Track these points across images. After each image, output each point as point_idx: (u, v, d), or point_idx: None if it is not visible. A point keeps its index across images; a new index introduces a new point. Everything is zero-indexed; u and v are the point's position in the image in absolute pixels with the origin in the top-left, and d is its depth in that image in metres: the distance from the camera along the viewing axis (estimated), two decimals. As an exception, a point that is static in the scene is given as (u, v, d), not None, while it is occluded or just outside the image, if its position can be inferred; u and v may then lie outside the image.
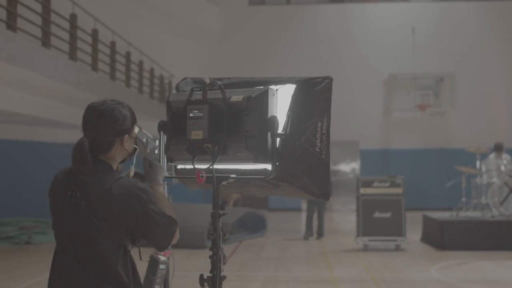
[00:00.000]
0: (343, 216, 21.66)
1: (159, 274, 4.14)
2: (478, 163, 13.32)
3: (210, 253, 2.96)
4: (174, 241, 2.80)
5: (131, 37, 17.39)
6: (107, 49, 15.55)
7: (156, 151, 4.39)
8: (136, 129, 4.12)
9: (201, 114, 2.86)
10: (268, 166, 2.86)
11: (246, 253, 12.01)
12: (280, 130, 2.86)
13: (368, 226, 12.05)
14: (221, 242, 2.95)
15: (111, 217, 2.64)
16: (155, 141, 4.37)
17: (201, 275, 2.99)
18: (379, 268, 10.08)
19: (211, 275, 2.96)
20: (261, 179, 2.94)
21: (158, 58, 19.61)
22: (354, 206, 23.88)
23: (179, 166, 3.14)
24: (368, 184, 12.23)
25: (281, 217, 19.77)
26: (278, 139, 2.87)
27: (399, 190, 12.13)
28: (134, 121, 2.93)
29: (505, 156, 12.95)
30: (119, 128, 2.84)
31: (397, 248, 11.99)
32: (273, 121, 2.82)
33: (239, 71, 22.05)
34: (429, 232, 13.15)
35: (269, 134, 2.82)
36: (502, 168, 12.62)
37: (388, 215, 12.01)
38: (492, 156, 13.07)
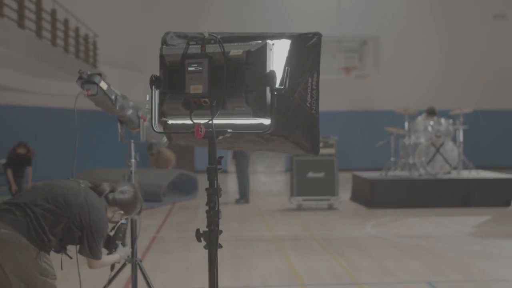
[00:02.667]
0: (270, 177, 21.95)
1: (122, 229, 4.11)
2: (406, 124, 13.73)
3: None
4: (92, 266, 3.79)
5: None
6: (33, 6, 14.95)
7: (130, 111, 4.31)
8: (105, 86, 4.05)
9: (201, 68, 2.83)
10: (265, 121, 2.87)
11: (182, 214, 12.03)
12: (277, 85, 2.86)
13: (302, 186, 12.28)
14: (217, 196, 2.95)
15: None
16: (123, 98, 4.28)
17: (197, 230, 2.99)
18: (316, 227, 10.33)
19: (207, 229, 2.97)
20: (255, 134, 2.95)
21: (83, 16, 19.03)
22: (279, 167, 24.47)
23: (170, 121, 3.10)
24: (301, 144, 12.38)
25: (206, 178, 19.76)
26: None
27: (332, 151, 12.39)
28: None
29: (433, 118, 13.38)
30: None
31: (330, 207, 12.30)
32: (272, 75, 2.82)
33: (164, 30, 21.61)
34: (359, 191, 13.54)
35: (268, 88, 2.83)
36: (429, 128, 13.06)
37: (321, 175, 12.27)
38: (420, 117, 13.49)
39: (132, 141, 4.60)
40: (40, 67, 15.40)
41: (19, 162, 12.68)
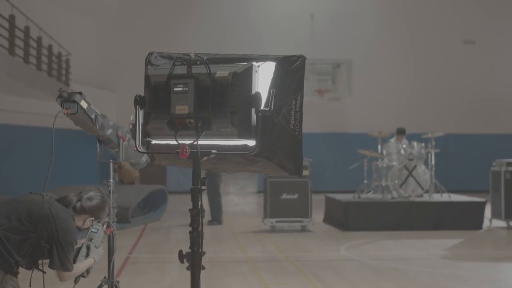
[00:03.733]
0: (242, 198, 21.91)
1: (89, 236, 4.05)
2: (379, 147, 13.85)
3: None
4: (63, 278, 3.75)
5: (30, 12, 16.68)
6: (6, 23, 14.82)
7: (109, 131, 4.27)
8: (85, 105, 4.02)
9: (187, 89, 2.84)
10: (250, 142, 2.88)
11: (155, 235, 11.93)
12: (262, 107, 2.88)
13: (275, 208, 12.26)
14: (200, 218, 2.94)
15: None
16: (103, 118, 4.25)
17: (180, 251, 2.97)
18: (290, 248, 10.31)
19: (190, 251, 2.95)
20: (239, 155, 2.96)
21: (56, 35, 18.92)
22: (252, 188, 24.44)
23: (154, 142, 3.09)
24: (276, 166, 12.38)
25: (180, 199, 19.70)
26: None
27: (306, 173, 12.36)
28: None
29: (404, 141, 13.51)
30: None
31: (303, 229, 12.29)
32: (258, 97, 2.84)
33: (137, 49, 21.91)
34: (332, 213, 13.57)
35: (253, 110, 2.84)
36: (402, 151, 13.17)
37: (295, 196, 12.27)
38: (392, 140, 13.60)
39: (111, 160, 4.56)
40: (11, 85, 15.23)
41: None
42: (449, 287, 7.41)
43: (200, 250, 2.94)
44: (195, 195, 2.95)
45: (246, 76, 2.85)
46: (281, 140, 3.00)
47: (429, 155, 13.69)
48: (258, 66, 2.94)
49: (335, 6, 24.19)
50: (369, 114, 23.22)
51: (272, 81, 2.94)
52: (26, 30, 16.26)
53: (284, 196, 12.27)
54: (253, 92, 2.84)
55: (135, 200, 13.14)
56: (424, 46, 24.12)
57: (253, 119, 2.84)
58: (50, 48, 18.31)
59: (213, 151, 2.93)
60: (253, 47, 23.23)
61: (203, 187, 2.97)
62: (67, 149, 13.52)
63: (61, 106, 4.02)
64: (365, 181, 13.86)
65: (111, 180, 4.53)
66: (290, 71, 3.03)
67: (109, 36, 23.13)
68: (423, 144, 13.37)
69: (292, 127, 3.07)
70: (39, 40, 17.31)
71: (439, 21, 24.28)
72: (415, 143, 13.26)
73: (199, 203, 2.96)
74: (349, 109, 23.94)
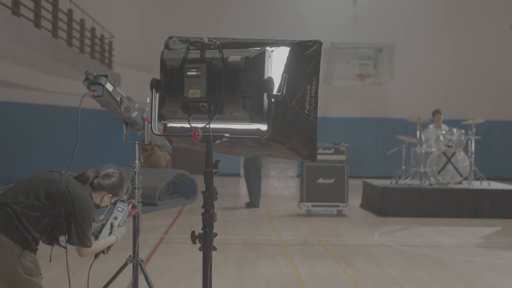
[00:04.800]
0: (282, 182, 21.97)
1: (114, 215, 4.14)
2: (418, 132, 13.70)
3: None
4: (82, 254, 3.84)
5: (73, -5, 16.97)
6: (50, 6, 15.10)
7: (135, 113, 4.35)
8: (110, 87, 4.10)
9: (199, 73, 2.88)
10: (262, 127, 2.91)
11: (191, 216, 12.06)
12: (275, 91, 2.90)
13: (311, 192, 12.28)
14: (213, 200, 2.99)
15: None
16: (128, 100, 4.33)
17: (193, 232, 3.03)
18: (324, 233, 10.33)
19: (202, 232, 3.00)
20: (253, 139, 2.99)
21: (99, 17, 19.19)
22: (292, 172, 24.48)
23: (169, 124, 3.15)
24: (312, 150, 12.36)
25: (219, 181, 19.85)
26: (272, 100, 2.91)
27: (342, 157, 12.38)
28: None
29: (444, 127, 13.34)
30: None
31: (339, 214, 12.29)
32: (270, 82, 2.86)
33: (180, 34, 21.72)
34: (369, 198, 13.52)
35: (265, 95, 2.86)
36: (441, 138, 13.01)
37: (331, 181, 12.27)
38: (431, 126, 13.46)
39: (137, 142, 4.64)
40: (55, 67, 15.54)
41: None
42: (483, 275, 7.32)
43: (211, 231, 2.98)
44: (208, 177, 3.00)
45: (259, 61, 2.88)
46: (295, 125, 3.02)
47: (469, 141, 13.49)
48: (272, 51, 2.95)
49: (378, -10, 23.91)
50: (409, 100, 22.96)
51: (285, 66, 2.95)
52: (70, 13, 16.54)
53: (321, 180, 12.27)
54: (265, 77, 2.86)
55: (161, 183, 13.00)
56: (466, 30, 23.67)
57: (265, 104, 2.86)
58: (93, 30, 18.58)
59: (225, 134, 2.97)
60: (295, 32, 23.16)
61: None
62: (105, 130, 13.72)
63: (88, 88, 4.12)
64: (403, 167, 13.75)
65: (137, 162, 4.61)
66: (305, 56, 3.04)
67: (152, 19, 23.33)
68: (463, 131, 13.18)
69: (307, 112, 3.08)
70: (82, 23, 17.59)
71: (484, 5, 23.76)
72: (454, 130, 13.09)
73: (212, 185, 3.00)
74: (390, 94, 23.72)
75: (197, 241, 3.02)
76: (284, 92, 2.88)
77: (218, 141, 2.99)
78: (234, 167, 23.37)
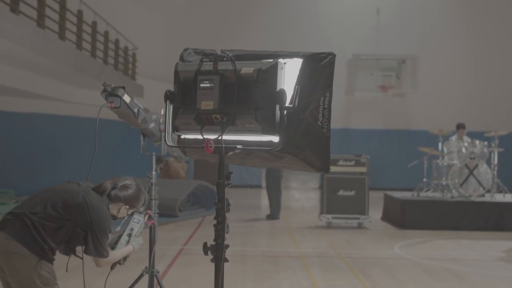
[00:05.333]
0: (303, 194, 21.93)
1: (131, 226, 4.17)
2: (440, 144, 13.61)
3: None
4: (99, 264, 3.87)
5: (98, 7, 17.15)
6: (74, 18, 15.30)
7: (152, 124, 4.39)
8: (128, 99, 4.15)
9: (212, 85, 2.90)
10: (274, 138, 2.92)
11: (211, 227, 12.03)
12: (287, 103, 2.91)
13: (332, 204, 12.23)
14: (225, 211, 3.00)
15: None
16: (146, 112, 4.37)
17: (205, 244, 3.04)
18: (344, 245, 10.28)
19: (214, 243, 3.01)
20: (265, 151, 3.00)
21: (123, 29, 19.39)
22: (313, 184, 24.42)
23: (183, 136, 3.17)
24: (333, 162, 12.32)
25: (241, 193, 19.90)
26: (285, 112, 2.92)
27: (363, 169, 12.33)
28: None
29: (466, 139, 13.25)
30: None
31: (360, 226, 12.22)
32: (282, 94, 2.87)
33: (204, 45, 21.89)
34: (390, 211, 13.44)
35: (277, 106, 2.87)
36: (463, 150, 12.91)
37: (352, 193, 12.21)
38: (453, 138, 13.37)
39: (154, 153, 4.68)
40: (79, 78, 15.72)
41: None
42: (503, 290, 7.24)
43: (223, 243, 2.99)
44: (220, 189, 3.01)
45: (271, 73, 2.89)
46: (308, 136, 3.02)
47: (492, 154, 13.36)
48: (285, 63, 2.96)
49: (400, 1, 23.88)
50: (432, 111, 22.81)
51: (298, 78, 2.96)
52: (94, 25, 16.73)
53: (341, 192, 12.22)
54: (278, 88, 2.88)
55: (182, 194, 12.97)
56: (489, 42, 23.49)
57: (277, 116, 2.87)
58: (117, 42, 18.77)
59: (238, 146, 2.98)
60: (318, 43, 23.19)
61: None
62: (126, 141, 13.82)
63: (106, 99, 4.16)
64: (424, 179, 13.65)
65: (153, 173, 4.65)
66: (318, 68, 3.04)
67: (176, 31, 23.50)
68: (485, 143, 13.07)
69: (320, 124, 3.08)
70: (106, 35, 17.78)
71: (506, 15, 23.56)
72: (477, 142, 12.99)
73: (224, 197, 3.01)
74: (412, 105, 23.60)
75: (209, 252, 3.02)
76: (296, 104, 2.89)
77: (230, 153, 3.00)
78: (256, 179, 23.41)
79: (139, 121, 4.31)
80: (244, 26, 23.47)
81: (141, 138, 4.59)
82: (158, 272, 4.63)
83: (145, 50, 21.54)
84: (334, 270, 8.09)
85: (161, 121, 4.20)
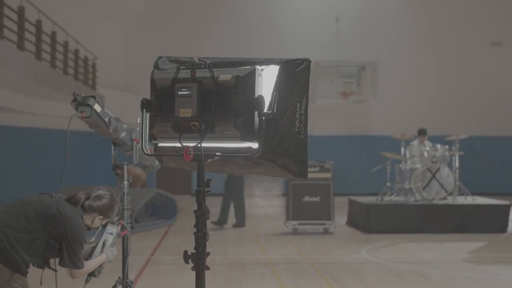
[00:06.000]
0: (267, 201, 21.95)
1: (104, 238, 4.12)
2: (402, 149, 13.78)
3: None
4: (74, 275, 3.82)
5: (57, 17, 16.95)
6: (33, 28, 15.09)
7: (123, 133, 4.34)
8: (98, 108, 4.10)
9: (190, 92, 2.89)
10: (253, 145, 2.92)
11: (177, 237, 12.02)
12: (265, 110, 2.92)
13: (297, 210, 12.28)
14: (205, 219, 2.99)
15: None
16: (117, 121, 4.33)
17: (185, 252, 3.02)
18: (311, 251, 10.32)
19: (195, 251, 3.00)
20: (244, 157, 3.00)
21: (82, 39, 19.19)
22: (277, 191, 24.46)
23: (160, 144, 3.15)
24: (298, 168, 12.34)
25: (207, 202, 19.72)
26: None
27: (328, 175, 12.41)
28: None
29: (427, 143, 13.44)
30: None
31: (326, 232, 12.28)
32: (261, 100, 2.88)
33: (163, 53, 21.74)
34: (355, 216, 13.54)
35: (256, 113, 2.88)
36: (425, 154, 13.10)
37: (317, 199, 12.28)
38: (415, 142, 13.55)
39: (125, 163, 4.63)
40: (39, 89, 15.49)
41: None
42: (470, 290, 7.36)
43: (204, 250, 2.98)
44: (200, 196, 3.00)
45: (249, 80, 2.90)
46: (286, 142, 3.04)
47: (453, 157, 13.60)
48: (262, 69, 2.98)
49: (360, 9, 24.14)
50: (393, 116, 23.11)
51: (275, 84, 2.98)
52: (53, 35, 16.52)
53: (307, 198, 12.28)
54: (256, 95, 2.89)
55: (138, 204, 12.44)
56: (449, 47, 23.96)
57: (256, 122, 2.88)
58: (76, 52, 18.57)
59: (217, 153, 2.98)
60: (278, 51, 23.29)
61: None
62: (91, 151, 13.68)
63: (76, 109, 4.11)
64: (388, 184, 13.81)
65: (125, 182, 4.60)
66: (295, 74, 3.07)
67: (136, 41, 23.38)
68: (447, 147, 13.30)
69: (297, 130, 3.10)
70: (65, 45, 17.57)
71: (465, 22, 24.08)
72: (438, 146, 13.20)
73: (204, 204, 3.00)
74: (373, 111, 23.87)
75: (189, 260, 3.00)
76: (274, 110, 2.90)
77: (209, 160, 3.00)
78: (219, 186, 23.32)
79: (111, 130, 4.26)
80: (204, 34, 23.44)
81: (112, 147, 4.54)
82: (132, 283, 4.58)
83: (105, 60, 21.34)
84: (304, 276, 8.12)
85: (137, 129, 4.17)
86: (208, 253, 3.02)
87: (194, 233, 3.01)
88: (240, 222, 13.57)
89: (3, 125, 17.90)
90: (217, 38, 23.32)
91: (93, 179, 18.40)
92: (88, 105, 4.08)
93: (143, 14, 23.81)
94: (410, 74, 23.77)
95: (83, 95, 4.15)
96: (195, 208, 3.06)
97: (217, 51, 21.17)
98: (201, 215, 2.99)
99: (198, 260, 2.97)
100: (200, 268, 2.97)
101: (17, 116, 17.83)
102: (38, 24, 15.33)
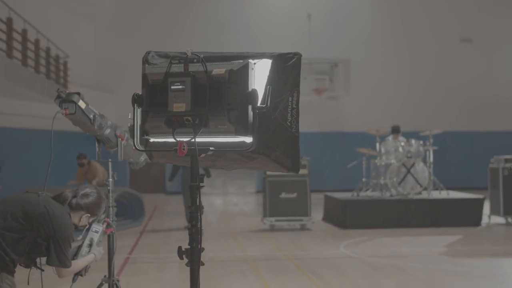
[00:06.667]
0: (241, 198, 21.94)
1: (90, 236, 4.07)
2: (377, 145, 13.87)
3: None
4: (61, 274, 3.78)
5: (28, 15, 16.71)
6: (4, 25, 14.85)
7: (108, 130, 4.30)
8: (83, 105, 4.05)
9: (184, 87, 2.87)
10: (247, 139, 2.91)
11: (154, 235, 11.95)
12: (258, 103, 2.91)
13: (274, 207, 12.29)
14: (199, 214, 2.97)
15: None
16: (101, 117, 4.28)
17: (180, 247, 3.00)
18: (290, 247, 10.35)
19: (189, 247, 2.98)
20: (237, 152, 2.98)
21: (54, 37, 18.95)
22: (251, 188, 24.46)
23: (152, 140, 3.12)
24: (274, 165, 12.35)
25: (180, 200, 19.68)
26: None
27: (304, 171, 12.43)
28: None
29: (402, 139, 13.56)
30: None
31: (303, 228, 12.33)
32: (254, 94, 2.87)
33: (135, 51, 21.73)
34: (331, 211, 13.61)
35: (250, 107, 2.87)
36: (400, 149, 13.21)
37: (294, 195, 12.31)
38: (390, 138, 13.65)
39: (110, 160, 4.59)
40: (10, 88, 15.26)
41: None
42: (448, 283, 7.44)
43: (199, 246, 2.96)
44: (194, 192, 2.98)
45: (243, 74, 2.88)
46: (278, 136, 3.03)
47: (427, 152, 13.73)
48: (254, 63, 2.96)
49: (331, 6, 24.22)
50: (367, 113, 23.26)
51: (268, 78, 2.97)
52: (24, 33, 16.29)
53: (283, 195, 12.30)
54: (250, 89, 2.87)
55: None
56: (421, 44, 24.18)
57: (250, 116, 2.86)
58: (48, 50, 18.34)
59: (211, 148, 2.96)
60: (250, 48, 22.92)
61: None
62: (66, 151, 13.49)
63: (60, 106, 4.05)
64: (363, 179, 13.89)
65: (110, 180, 4.56)
66: (286, 68, 3.06)
67: (107, 38, 23.18)
68: (421, 142, 13.42)
69: (289, 124, 3.10)
70: (37, 43, 17.34)
71: (436, 19, 24.34)
72: (413, 141, 13.32)
73: (198, 200, 2.98)
74: (346, 108, 24.00)
75: (184, 256, 2.98)
76: (268, 104, 2.90)
77: (202, 155, 2.98)
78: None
79: (95, 127, 4.22)
80: (176, 31, 23.32)
81: (96, 144, 4.50)
82: (118, 281, 4.54)
83: (76, 58, 21.12)
84: (285, 272, 8.13)
85: (129, 125, 4.12)
86: (203, 249, 3.00)
87: (188, 229, 2.99)
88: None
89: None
90: (189, 35, 23.22)
91: (72, 177, 18.11)
92: (73, 102, 4.03)
93: (114, 12, 23.59)
94: (383, 71, 23.95)
95: (67, 91, 4.09)
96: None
97: (186, 48, 20.98)
98: (195, 210, 2.97)
99: (192, 256, 2.95)
100: (195, 264, 2.95)
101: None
102: (9, 22, 15.10)
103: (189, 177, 10.36)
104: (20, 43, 16.04)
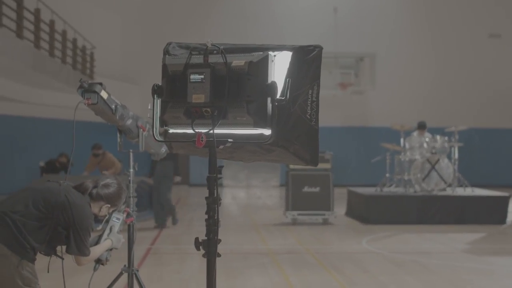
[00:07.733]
0: (265, 191, 21.96)
1: (110, 225, 4.09)
2: (402, 140, 13.76)
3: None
4: (80, 263, 3.78)
5: (55, 6, 16.86)
6: (32, 16, 15.00)
7: (129, 121, 4.31)
8: (105, 95, 4.07)
9: (203, 78, 2.86)
10: (266, 131, 2.89)
11: (177, 226, 11.98)
12: (278, 96, 2.89)
13: (297, 201, 12.27)
14: (216, 206, 2.97)
15: None
16: (123, 108, 4.30)
17: (196, 238, 3.00)
18: (311, 241, 10.33)
19: (206, 238, 2.98)
20: (256, 144, 2.97)
21: (80, 28, 19.10)
22: (274, 181, 24.48)
23: (171, 130, 3.12)
24: (297, 159, 12.32)
25: (203, 192, 19.75)
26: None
27: (327, 166, 12.40)
28: None
29: (427, 134, 13.43)
30: None
31: (325, 222, 12.29)
32: (274, 86, 2.85)
33: (160, 42, 21.69)
34: (354, 206, 13.55)
35: (269, 99, 2.85)
36: (425, 145, 13.10)
37: (316, 189, 12.28)
38: (415, 133, 13.54)
39: (131, 150, 4.61)
40: (37, 78, 15.42)
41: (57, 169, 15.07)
42: (471, 281, 7.36)
43: (215, 237, 2.96)
44: (211, 183, 2.98)
45: (262, 66, 2.86)
46: (297, 129, 3.01)
47: (452, 149, 13.58)
48: (274, 55, 2.94)
49: (357, 0, 24.07)
50: (392, 108, 23.10)
51: (288, 71, 2.95)
52: (51, 24, 16.44)
53: (306, 189, 12.28)
54: (269, 81, 2.86)
55: None
56: (447, 39, 23.93)
57: (268, 108, 2.85)
58: (74, 41, 18.49)
59: (229, 140, 2.95)
60: (275, 41, 23.02)
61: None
62: (88, 141, 13.56)
63: (82, 96, 4.06)
64: (387, 175, 13.80)
65: (131, 170, 4.58)
66: (307, 61, 3.03)
67: (133, 30, 23.31)
68: (446, 138, 13.28)
69: (309, 117, 3.07)
70: (64, 34, 17.49)
71: (464, 14, 24.06)
72: (438, 137, 13.18)
73: (215, 191, 2.98)
74: (371, 102, 23.86)
75: (200, 247, 2.98)
76: (287, 97, 2.88)
77: (221, 147, 2.97)
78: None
79: (117, 117, 4.23)
80: (201, 24, 23.36)
81: (118, 135, 4.52)
82: (137, 271, 4.56)
83: (103, 49, 21.26)
84: (305, 266, 8.12)
85: (148, 115, 4.13)
86: (220, 240, 3.00)
87: (205, 220, 2.98)
88: (163, 221, 11.61)
89: (0, 114, 17.84)
90: (214, 28, 23.24)
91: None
92: (95, 92, 4.04)
93: (140, 4, 23.69)
94: (409, 65, 23.75)
95: (89, 81, 4.11)
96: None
97: (214, 41, 21.01)
98: (212, 201, 2.96)
99: (209, 247, 2.95)
100: (211, 255, 2.95)
101: (14, 105, 17.76)
102: (36, 13, 15.24)
103: (162, 171, 9.84)
104: (47, 33, 16.19)
